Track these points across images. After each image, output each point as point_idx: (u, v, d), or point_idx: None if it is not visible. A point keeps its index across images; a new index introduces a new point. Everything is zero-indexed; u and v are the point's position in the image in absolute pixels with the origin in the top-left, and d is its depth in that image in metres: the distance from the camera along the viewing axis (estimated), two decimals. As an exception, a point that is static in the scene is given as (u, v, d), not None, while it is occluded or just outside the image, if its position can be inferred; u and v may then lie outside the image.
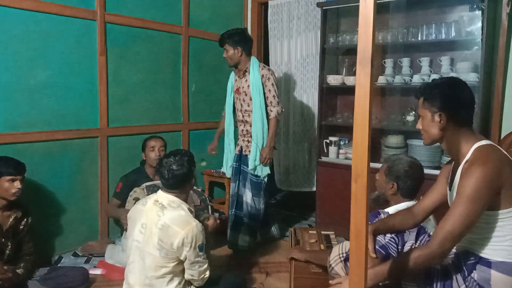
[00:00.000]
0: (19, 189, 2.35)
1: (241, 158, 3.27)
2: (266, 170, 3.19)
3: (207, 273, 2.08)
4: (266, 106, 3.14)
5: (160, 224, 1.98)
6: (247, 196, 3.23)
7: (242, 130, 3.29)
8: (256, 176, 3.19)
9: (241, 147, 3.29)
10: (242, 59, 3.15)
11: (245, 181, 3.24)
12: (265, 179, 3.23)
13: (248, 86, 3.15)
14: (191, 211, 2.08)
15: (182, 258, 1.99)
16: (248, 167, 3.20)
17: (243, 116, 3.26)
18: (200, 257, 2.02)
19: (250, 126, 3.19)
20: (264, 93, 3.12)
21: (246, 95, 3.18)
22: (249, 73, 3.14)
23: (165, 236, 1.96)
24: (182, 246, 1.95)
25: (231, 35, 3.14)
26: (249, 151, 3.20)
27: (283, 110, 3.23)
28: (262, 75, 3.11)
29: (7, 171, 2.33)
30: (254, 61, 3.18)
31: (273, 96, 3.13)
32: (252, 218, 3.23)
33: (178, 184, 2.06)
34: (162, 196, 2.08)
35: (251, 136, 3.20)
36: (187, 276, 2.06)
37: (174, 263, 2.01)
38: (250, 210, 3.22)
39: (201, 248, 2.01)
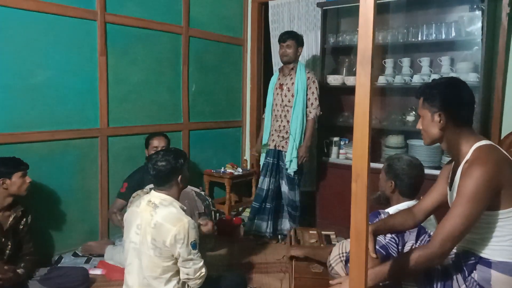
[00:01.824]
0: (30, 182, 2.46)
1: (278, 155, 3.40)
2: (294, 166, 3.29)
3: (203, 270, 2.04)
4: (306, 106, 3.30)
5: (153, 223, 1.99)
6: (285, 188, 3.39)
7: (279, 126, 3.41)
8: (290, 171, 3.31)
9: (276, 143, 3.41)
10: (296, 59, 3.37)
11: (282, 175, 3.39)
12: (297, 176, 3.35)
13: (293, 83, 3.32)
14: (183, 209, 2.08)
15: (176, 255, 1.99)
16: (284, 163, 3.33)
17: (282, 111, 3.38)
18: (194, 255, 1.99)
19: (288, 122, 3.33)
20: (307, 94, 3.28)
21: (289, 91, 3.36)
22: (295, 72, 3.34)
23: (158, 235, 1.96)
24: (174, 243, 1.95)
25: (297, 35, 3.40)
26: (282, 146, 3.36)
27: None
28: (308, 77, 3.32)
29: (18, 167, 2.42)
30: (301, 63, 3.40)
31: (315, 98, 3.31)
32: (292, 208, 3.40)
33: (164, 180, 2.07)
34: (155, 195, 2.09)
35: (286, 132, 3.34)
36: (182, 276, 2.03)
37: (170, 262, 2.00)
38: (289, 202, 3.38)
39: (194, 246, 1.99)
